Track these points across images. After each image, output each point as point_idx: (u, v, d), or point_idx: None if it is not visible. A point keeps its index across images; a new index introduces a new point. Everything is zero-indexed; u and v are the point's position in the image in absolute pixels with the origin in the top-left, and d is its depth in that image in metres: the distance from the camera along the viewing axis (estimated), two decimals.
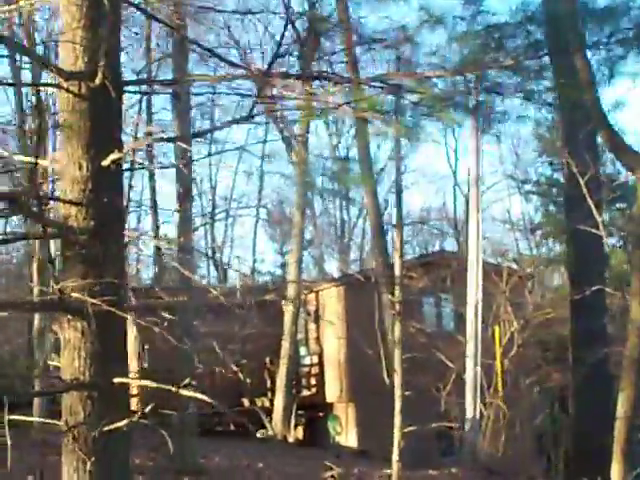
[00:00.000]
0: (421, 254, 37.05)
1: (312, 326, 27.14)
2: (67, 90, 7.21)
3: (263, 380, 26.48)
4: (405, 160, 36.14)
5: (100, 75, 7.05)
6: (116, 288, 6.88)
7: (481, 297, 20.00)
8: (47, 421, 7.95)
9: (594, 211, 15.35)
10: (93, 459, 6.87)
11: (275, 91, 6.94)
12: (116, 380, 7.07)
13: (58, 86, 7.23)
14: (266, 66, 6.13)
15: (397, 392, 14.16)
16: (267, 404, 26.02)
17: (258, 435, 24.35)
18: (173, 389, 6.43)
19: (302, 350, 27.14)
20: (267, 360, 26.67)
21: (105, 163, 7.20)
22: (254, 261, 44.41)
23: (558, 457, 22.36)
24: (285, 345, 25.16)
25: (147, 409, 6.53)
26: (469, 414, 20.01)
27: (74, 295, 6.08)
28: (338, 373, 25.88)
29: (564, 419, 23.92)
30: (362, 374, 24.26)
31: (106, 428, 6.88)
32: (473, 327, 19.91)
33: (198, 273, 31.28)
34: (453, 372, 21.03)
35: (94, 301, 6.07)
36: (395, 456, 13.84)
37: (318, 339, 26.88)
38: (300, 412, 26.11)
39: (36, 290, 16.33)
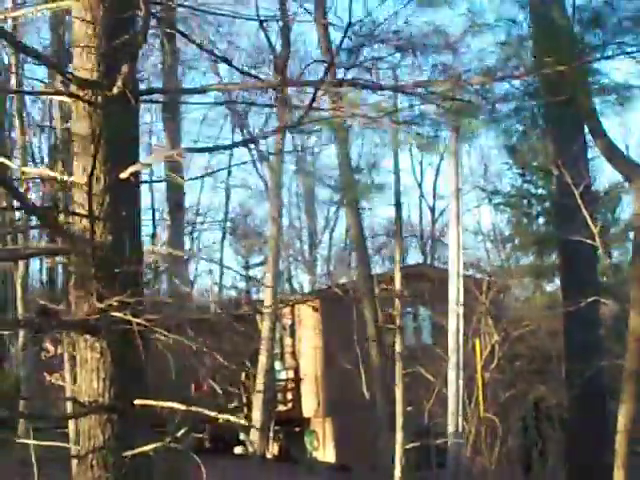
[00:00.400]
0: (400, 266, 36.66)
1: (288, 340, 26.81)
2: (83, 99, 6.91)
3: (238, 395, 26.06)
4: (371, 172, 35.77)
5: (119, 84, 6.75)
6: (138, 305, 6.56)
7: (462, 308, 19.74)
8: (59, 444, 7.58)
9: (589, 221, 15.18)
10: None
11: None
12: (137, 402, 6.75)
13: (74, 95, 6.91)
14: (323, 73, 5.88)
15: (398, 407, 13.95)
16: (243, 420, 25.59)
17: (236, 451, 23.96)
18: (212, 414, 6.00)
19: (277, 365, 26.78)
20: (242, 375, 26.25)
21: (124, 175, 6.90)
22: (221, 275, 43.92)
23: (545, 470, 22.18)
24: (262, 360, 24.74)
25: (180, 433, 6.16)
26: (452, 428, 19.72)
27: (116, 314, 5.71)
28: (315, 387, 25.57)
29: (547, 430, 23.76)
30: (339, 388, 24.00)
31: (129, 452, 6.56)
32: (455, 338, 19.62)
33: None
34: (434, 386, 20.75)
35: (139, 320, 5.73)
36: (397, 472, 13.63)
37: (294, 354, 26.57)
38: (276, 427, 25.76)
39: (20, 308, 15.91)
